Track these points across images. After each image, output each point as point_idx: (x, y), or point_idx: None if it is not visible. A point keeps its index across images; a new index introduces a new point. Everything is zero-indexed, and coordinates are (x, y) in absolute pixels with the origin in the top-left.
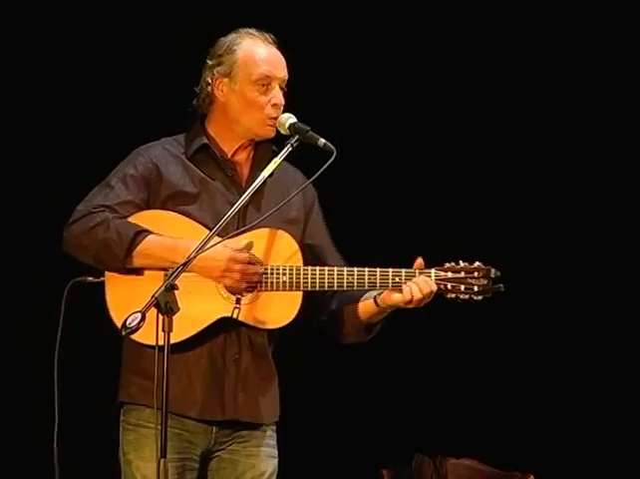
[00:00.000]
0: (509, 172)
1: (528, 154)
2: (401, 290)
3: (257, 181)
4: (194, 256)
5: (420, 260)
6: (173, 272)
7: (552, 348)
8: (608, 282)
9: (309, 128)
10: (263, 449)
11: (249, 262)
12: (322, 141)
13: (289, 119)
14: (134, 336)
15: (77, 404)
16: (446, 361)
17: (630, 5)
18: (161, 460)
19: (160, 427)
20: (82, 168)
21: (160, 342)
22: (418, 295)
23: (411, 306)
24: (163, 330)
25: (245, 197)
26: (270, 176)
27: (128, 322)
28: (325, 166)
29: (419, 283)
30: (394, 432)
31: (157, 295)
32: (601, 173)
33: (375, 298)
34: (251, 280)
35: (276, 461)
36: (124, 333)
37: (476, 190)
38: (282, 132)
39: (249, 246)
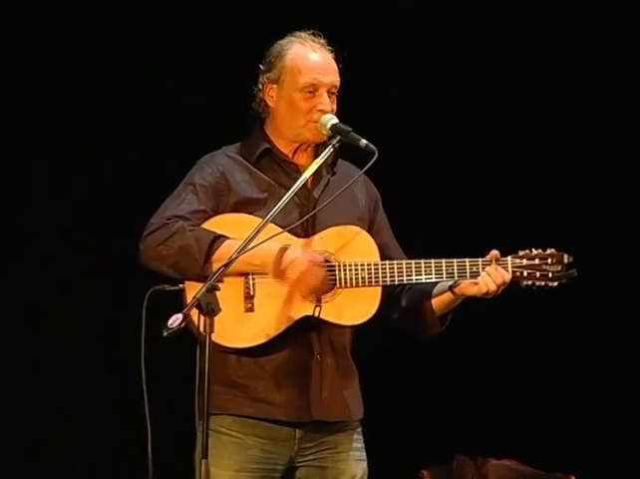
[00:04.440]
0: (509, 171)
1: (528, 154)
2: (476, 283)
3: (299, 181)
4: (236, 257)
5: (495, 252)
6: (215, 273)
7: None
8: (608, 282)
9: (350, 129)
10: (352, 453)
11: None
12: (364, 141)
13: (330, 120)
14: (215, 339)
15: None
16: (488, 361)
17: (630, 5)
18: (203, 461)
19: (201, 429)
20: (82, 168)
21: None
22: (492, 287)
23: (488, 297)
24: (205, 331)
25: (287, 197)
26: (333, 174)
27: (169, 323)
28: (367, 166)
29: (491, 274)
30: (434, 433)
31: (198, 296)
32: (601, 173)
33: (451, 288)
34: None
35: (365, 463)
36: (165, 334)
37: (475, 189)
38: (324, 132)
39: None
